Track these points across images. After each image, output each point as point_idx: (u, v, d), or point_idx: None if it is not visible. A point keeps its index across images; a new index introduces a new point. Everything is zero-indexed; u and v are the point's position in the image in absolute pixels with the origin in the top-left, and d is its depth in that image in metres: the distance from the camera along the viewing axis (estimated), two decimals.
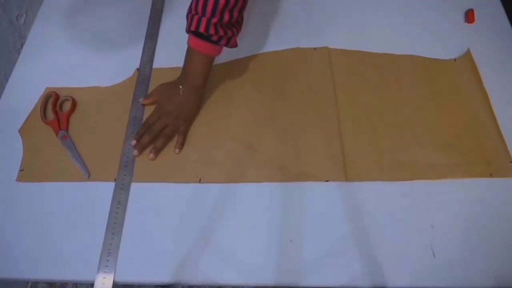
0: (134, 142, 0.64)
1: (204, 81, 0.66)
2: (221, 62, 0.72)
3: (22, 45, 0.80)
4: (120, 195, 0.61)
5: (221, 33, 0.59)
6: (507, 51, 0.72)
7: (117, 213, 0.60)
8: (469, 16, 0.75)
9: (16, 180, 0.64)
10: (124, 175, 0.63)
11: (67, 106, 0.71)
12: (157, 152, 0.64)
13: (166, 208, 0.60)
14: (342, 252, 0.55)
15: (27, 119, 0.69)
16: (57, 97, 0.71)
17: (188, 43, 0.62)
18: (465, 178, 0.60)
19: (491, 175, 0.60)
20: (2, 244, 0.59)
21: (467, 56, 0.70)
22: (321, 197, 0.59)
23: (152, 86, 0.72)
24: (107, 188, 0.62)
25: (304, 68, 0.72)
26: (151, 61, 0.75)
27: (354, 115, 0.66)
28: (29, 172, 0.64)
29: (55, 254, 0.57)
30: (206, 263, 0.55)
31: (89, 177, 0.63)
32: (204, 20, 0.57)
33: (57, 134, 0.67)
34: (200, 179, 0.62)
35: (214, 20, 0.57)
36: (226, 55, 0.69)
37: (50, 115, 0.69)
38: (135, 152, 0.64)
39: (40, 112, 0.69)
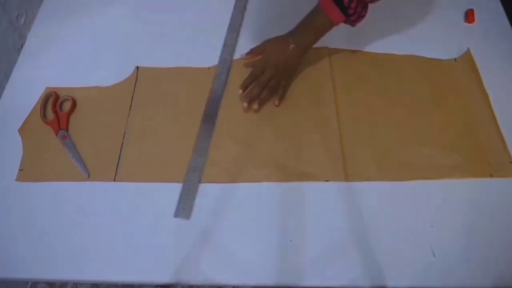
0: (240, 91, 0.65)
1: (313, 43, 0.65)
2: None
3: (22, 45, 0.80)
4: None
5: (359, 9, 0.59)
6: (507, 51, 0.72)
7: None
8: (469, 16, 0.75)
9: (16, 179, 0.64)
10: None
11: (67, 106, 0.71)
12: (262, 103, 0.66)
13: (165, 208, 0.60)
14: (342, 252, 0.55)
15: (27, 118, 0.69)
16: (57, 96, 0.71)
17: (319, 2, 0.62)
18: (465, 178, 0.60)
19: (491, 175, 0.60)
20: (2, 244, 0.59)
21: (467, 56, 0.70)
22: (321, 197, 0.59)
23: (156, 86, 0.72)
24: (106, 188, 0.62)
25: (304, 68, 0.72)
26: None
27: (354, 115, 0.66)
28: (28, 171, 0.64)
29: (55, 254, 0.57)
30: (206, 263, 0.55)
31: (88, 177, 0.63)
32: None
33: (56, 134, 0.67)
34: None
35: None
36: None
37: (50, 114, 0.69)
38: (245, 104, 0.65)
39: (40, 111, 0.69)
